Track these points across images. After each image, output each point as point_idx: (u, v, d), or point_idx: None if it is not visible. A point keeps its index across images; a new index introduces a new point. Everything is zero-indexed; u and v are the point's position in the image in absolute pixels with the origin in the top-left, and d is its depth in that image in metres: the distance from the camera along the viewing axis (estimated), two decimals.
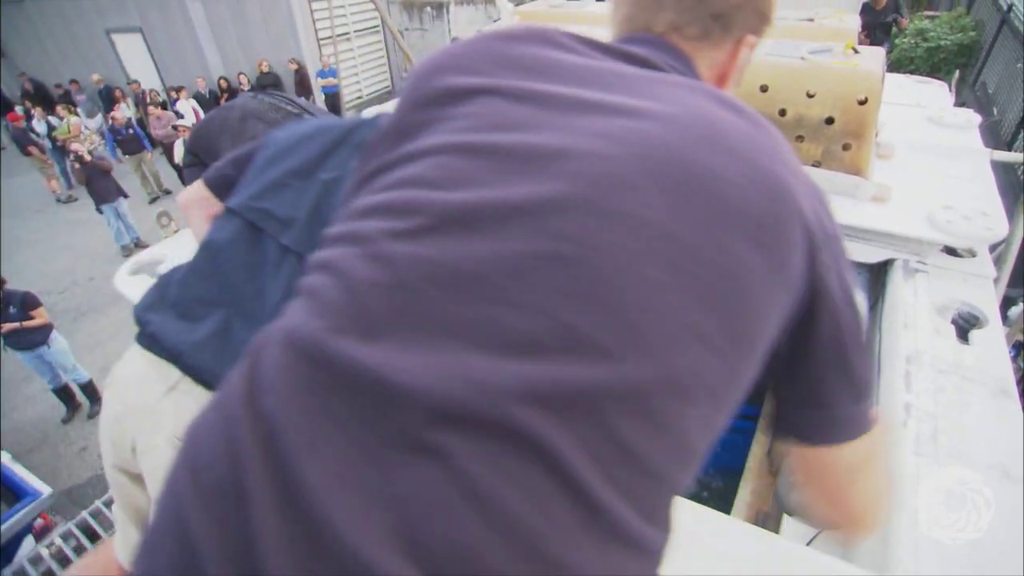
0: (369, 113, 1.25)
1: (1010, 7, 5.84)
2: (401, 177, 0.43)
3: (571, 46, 0.48)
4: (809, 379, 0.47)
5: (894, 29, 6.56)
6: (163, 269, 1.21)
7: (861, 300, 0.48)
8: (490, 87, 0.44)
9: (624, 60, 0.48)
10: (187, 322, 0.83)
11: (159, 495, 0.37)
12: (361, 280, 0.38)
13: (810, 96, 1.40)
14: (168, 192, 8.04)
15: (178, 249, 1.40)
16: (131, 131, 7.74)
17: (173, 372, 0.82)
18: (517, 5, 2.29)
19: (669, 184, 0.37)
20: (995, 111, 5.43)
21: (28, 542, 2.38)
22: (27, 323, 3.90)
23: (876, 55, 1.44)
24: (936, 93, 2.11)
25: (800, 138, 1.45)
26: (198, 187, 1.06)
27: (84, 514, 1.54)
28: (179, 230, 1.95)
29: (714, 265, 0.37)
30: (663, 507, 0.38)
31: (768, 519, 1.12)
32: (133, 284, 1.31)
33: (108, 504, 1.55)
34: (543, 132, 0.40)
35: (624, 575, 0.34)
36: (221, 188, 1.01)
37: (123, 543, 0.99)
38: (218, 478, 0.33)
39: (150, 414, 0.83)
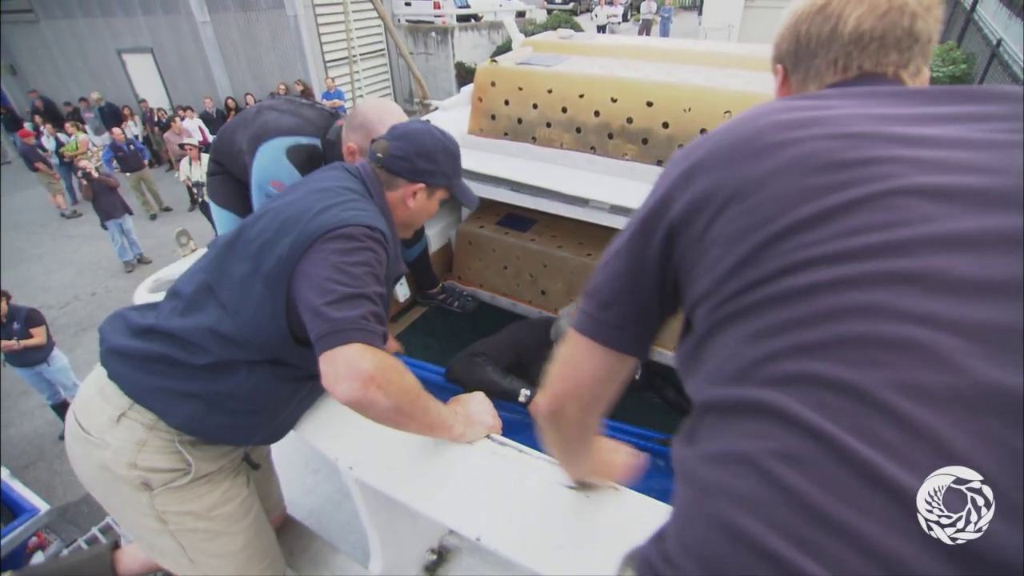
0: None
1: (999, 42, 6.03)
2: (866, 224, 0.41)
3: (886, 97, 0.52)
4: None
5: None
6: None
7: None
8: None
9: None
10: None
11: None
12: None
13: None
14: (168, 209, 8.05)
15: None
16: (132, 147, 7.65)
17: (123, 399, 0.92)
18: (528, 36, 2.37)
19: None
20: None
21: (38, 558, 2.36)
22: (25, 342, 3.90)
23: None
24: None
25: None
26: None
27: (94, 530, 1.53)
28: (196, 249, 1.98)
29: None
30: None
31: None
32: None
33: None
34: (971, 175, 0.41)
35: None
36: None
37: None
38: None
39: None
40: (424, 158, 1.05)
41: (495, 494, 0.89)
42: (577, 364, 0.63)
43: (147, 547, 1.03)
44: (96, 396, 0.93)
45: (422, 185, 1.07)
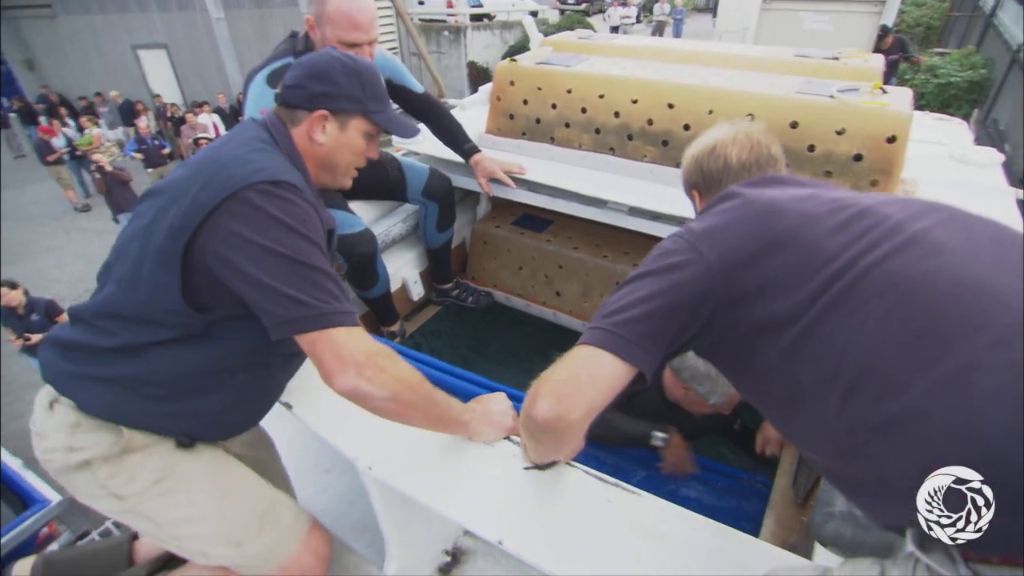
0: None
1: (1020, 47, 5.94)
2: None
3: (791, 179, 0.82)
4: None
5: (903, 65, 6.69)
6: None
7: None
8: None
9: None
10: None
11: None
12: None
13: (839, 133, 1.43)
14: None
15: None
16: (156, 142, 7.71)
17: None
18: (546, 36, 2.35)
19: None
20: (1007, 148, 5.47)
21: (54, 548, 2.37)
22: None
23: (903, 95, 1.48)
24: (956, 130, 2.15)
25: (828, 173, 1.47)
26: None
27: (108, 524, 1.54)
28: None
29: None
30: None
31: (795, 550, 1.11)
32: None
33: None
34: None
35: None
36: None
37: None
38: None
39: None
40: (318, 79, 0.92)
41: (516, 497, 0.88)
42: (598, 378, 0.68)
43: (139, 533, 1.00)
44: (41, 390, 0.93)
45: (324, 112, 0.93)
